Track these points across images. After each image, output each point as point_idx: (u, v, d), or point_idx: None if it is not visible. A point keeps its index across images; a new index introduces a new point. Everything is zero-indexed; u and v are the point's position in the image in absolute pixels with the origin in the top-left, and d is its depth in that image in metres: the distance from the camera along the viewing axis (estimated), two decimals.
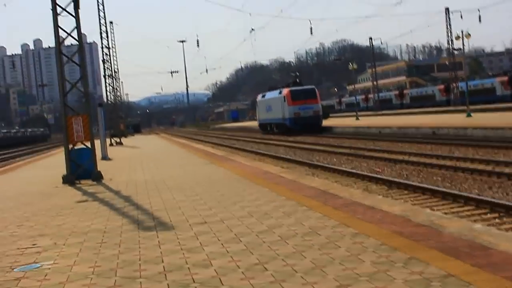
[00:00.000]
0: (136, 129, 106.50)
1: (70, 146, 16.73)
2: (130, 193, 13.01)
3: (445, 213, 10.79)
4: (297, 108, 53.78)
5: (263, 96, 66.73)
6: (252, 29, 47.20)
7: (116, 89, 56.06)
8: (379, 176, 17.24)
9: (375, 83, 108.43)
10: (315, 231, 7.39)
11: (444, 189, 13.89)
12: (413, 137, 32.13)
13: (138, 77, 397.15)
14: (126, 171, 19.34)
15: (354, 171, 19.01)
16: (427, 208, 11.00)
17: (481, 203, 11.93)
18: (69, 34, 16.96)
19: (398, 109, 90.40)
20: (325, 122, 58.78)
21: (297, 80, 59.84)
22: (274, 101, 59.39)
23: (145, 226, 8.75)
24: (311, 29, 58.23)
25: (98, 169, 16.96)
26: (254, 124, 75.53)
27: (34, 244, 7.95)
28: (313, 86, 59.02)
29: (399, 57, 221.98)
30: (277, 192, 11.21)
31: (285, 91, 56.12)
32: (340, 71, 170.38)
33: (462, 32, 48.48)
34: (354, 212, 8.45)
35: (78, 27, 16.72)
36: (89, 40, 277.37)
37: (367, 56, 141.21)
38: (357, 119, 60.44)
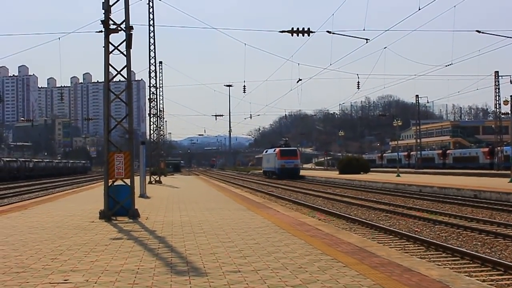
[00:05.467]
0: (176, 169, 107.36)
1: (110, 182, 16.81)
2: (165, 234, 12.98)
3: (484, 281, 10.50)
4: (283, 161, 75.73)
5: (266, 152, 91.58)
6: (300, 79, 47.82)
7: (160, 127, 56.54)
8: (417, 236, 16.93)
9: (418, 140, 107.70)
10: None
11: (483, 255, 13.55)
12: (454, 198, 31.62)
13: (183, 117, 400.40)
14: (163, 211, 19.34)
15: (392, 228, 18.73)
16: (465, 274, 10.71)
17: None
18: (118, 72, 17.19)
19: (440, 169, 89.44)
20: (365, 177, 62.45)
21: (287, 142, 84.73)
22: (271, 156, 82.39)
23: (178, 270, 8.66)
24: (358, 83, 57.43)
25: (136, 207, 16.99)
26: None
27: (66, 280, 7.91)
28: (295, 148, 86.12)
29: (444, 117, 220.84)
30: (313, 245, 11.05)
31: (277, 149, 78.78)
32: (384, 126, 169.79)
33: (511, 96, 48.00)
34: (391, 273, 8.26)
35: (128, 66, 16.94)
36: (137, 77, 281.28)
37: (412, 114, 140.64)
38: (398, 175, 59.89)
